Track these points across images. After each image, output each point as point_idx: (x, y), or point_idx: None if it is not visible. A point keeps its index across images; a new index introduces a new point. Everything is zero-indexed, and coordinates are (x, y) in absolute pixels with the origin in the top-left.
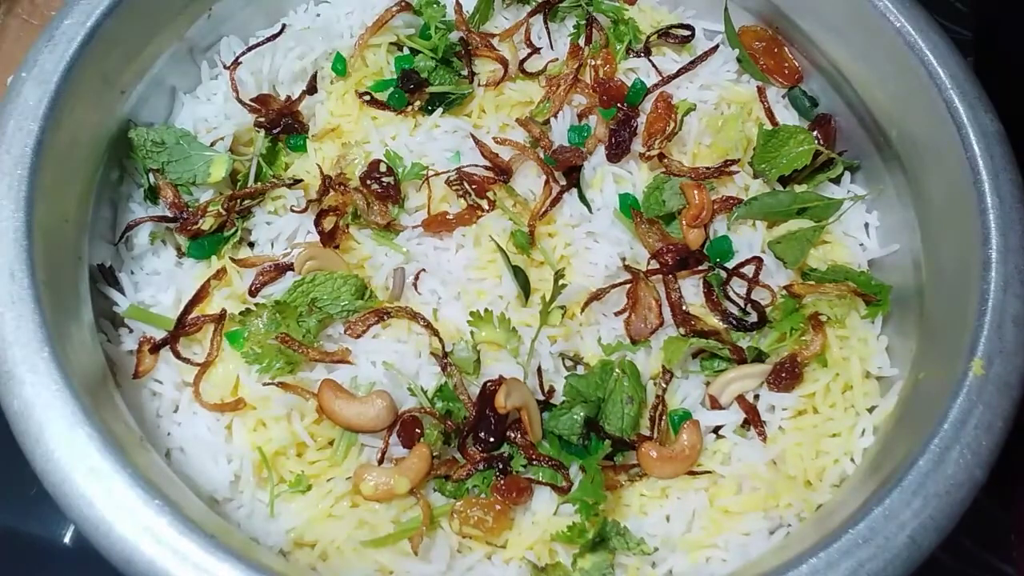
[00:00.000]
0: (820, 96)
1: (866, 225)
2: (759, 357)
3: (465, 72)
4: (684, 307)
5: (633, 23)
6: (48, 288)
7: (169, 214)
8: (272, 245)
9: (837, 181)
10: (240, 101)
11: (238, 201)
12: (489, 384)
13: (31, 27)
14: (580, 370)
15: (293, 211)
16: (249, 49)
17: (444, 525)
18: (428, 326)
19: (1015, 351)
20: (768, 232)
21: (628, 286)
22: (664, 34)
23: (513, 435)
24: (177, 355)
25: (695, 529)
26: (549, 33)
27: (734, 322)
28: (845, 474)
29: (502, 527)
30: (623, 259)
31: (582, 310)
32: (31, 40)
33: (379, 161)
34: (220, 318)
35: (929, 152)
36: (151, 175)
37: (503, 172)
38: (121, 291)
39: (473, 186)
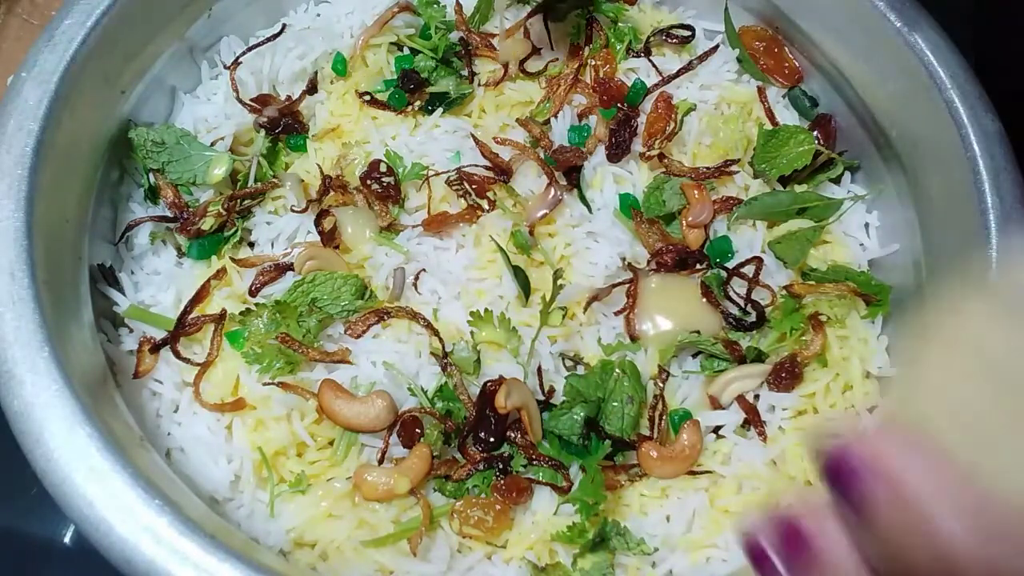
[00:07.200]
0: (820, 96)
1: (866, 225)
2: (759, 357)
3: (465, 72)
4: None
5: (633, 23)
6: (48, 288)
7: (169, 214)
8: (272, 245)
9: (837, 181)
10: (240, 101)
11: (238, 201)
12: (489, 384)
13: (31, 27)
14: (580, 370)
15: (293, 211)
16: (249, 49)
17: (444, 525)
18: (428, 326)
19: None
20: (768, 232)
21: (628, 285)
22: (664, 34)
23: (513, 435)
24: (177, 355)
25: (695, 529)
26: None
27: (733, 322)
28: None
29: (502, 527)
30: (623, 259)
31: (584, 310)
32: (31, 40)
33: (379, 161)
34: (220, 318)
35: (929, 152)
36: (151, 175)
37: (503, 172)
38: (121, 291)
39: (473, 186)
